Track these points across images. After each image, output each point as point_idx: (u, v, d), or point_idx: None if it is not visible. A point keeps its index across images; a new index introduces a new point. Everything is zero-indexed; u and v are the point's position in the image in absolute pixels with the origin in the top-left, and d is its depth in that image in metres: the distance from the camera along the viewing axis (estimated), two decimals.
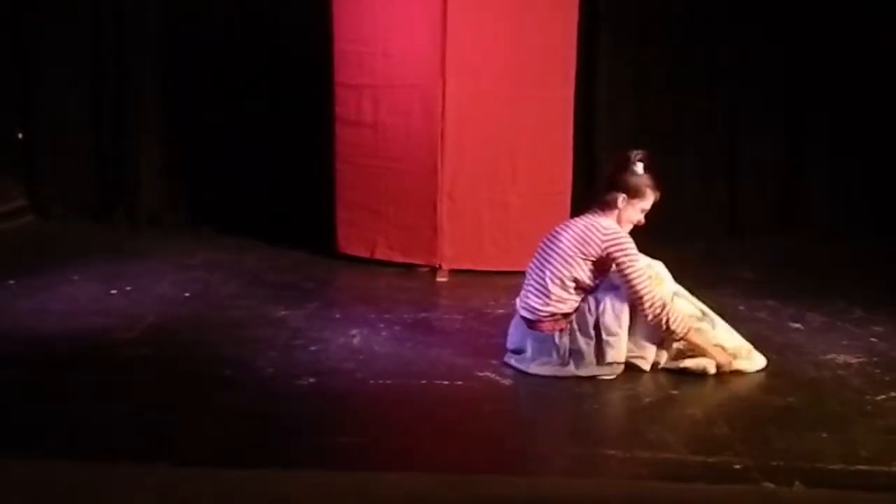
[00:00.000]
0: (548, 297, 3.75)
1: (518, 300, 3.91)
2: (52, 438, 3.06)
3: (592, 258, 3.71)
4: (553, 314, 3.76)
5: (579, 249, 3.71)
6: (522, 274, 3.96)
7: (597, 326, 3.70)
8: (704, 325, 3.79)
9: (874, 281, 5.40)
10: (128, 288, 4.95)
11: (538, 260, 3.83)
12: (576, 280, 3.73)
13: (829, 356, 4.05)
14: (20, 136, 6.90)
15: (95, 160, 6.90)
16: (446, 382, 3.66)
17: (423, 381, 3.66)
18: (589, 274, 3.73)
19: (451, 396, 3.57)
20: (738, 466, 2.94)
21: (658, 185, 3.77)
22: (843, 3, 6.45)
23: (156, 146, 6.84)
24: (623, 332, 3.70)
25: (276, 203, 6.53)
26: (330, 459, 2.98)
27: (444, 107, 5.30)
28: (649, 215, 3.84)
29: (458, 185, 5.42)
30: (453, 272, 5.43)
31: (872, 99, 6.50)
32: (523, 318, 3.84)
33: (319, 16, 5.68)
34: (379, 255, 5.62)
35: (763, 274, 5.61)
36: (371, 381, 3.67)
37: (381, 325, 4.39)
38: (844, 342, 4.24)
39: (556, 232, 3.82)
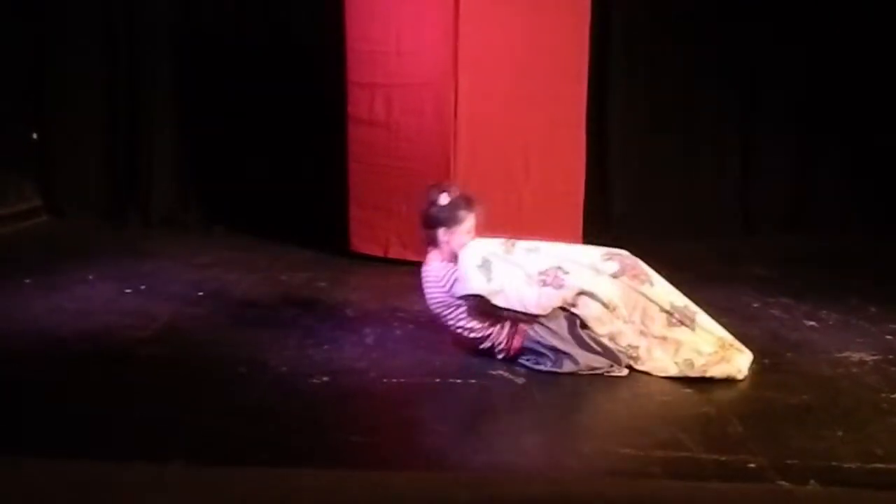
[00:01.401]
0: (469, 333, 3.82)
1: None
2: (66, 437, 3.08)
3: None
4: (490, 336, 3.78)
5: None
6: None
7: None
8: (677, 334, 3.71)
9: (889, 278, 5.36)
10: (142, 287, 4.97)
11: None
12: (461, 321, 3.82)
13: (843, 354, 4.02)
14: (35, 136, 6.94)
15: (109, 161, 6.94)
16: (459, 381, 3.66)
17: (437, 380, 3.66)
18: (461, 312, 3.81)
19: (464, 395, 3.58)
20: (752, 465, 2.93)
21: (471, 204, 3.88)
22: (857, 2, 6.42)
23: (168, 146, 6.88)
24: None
25: (289, 202, 6.55)
26: (343, 458, 2.98)
27: (456, 105, 5.30)
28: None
29: (471, 184, 5.40)
30: None
31: (887, 97, 6.47)
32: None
33: (332, 15, 5.69)
34: (392, 254, 5.63)
35: (777, 271, 5.58)
36: (384, 380, 3.67)
37: (395, 324, 4.40)
38: (859, 340, 4.22)
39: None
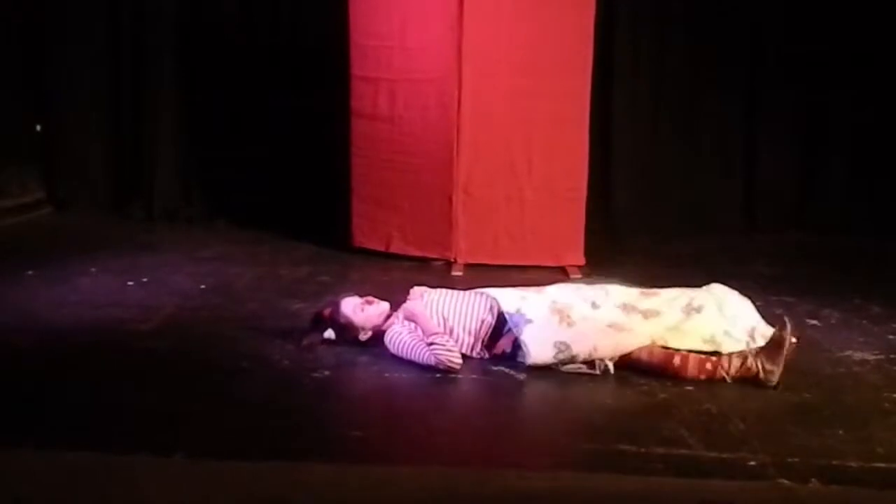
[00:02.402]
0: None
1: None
2: (68, 429, 3.08)
3: None
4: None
5: None
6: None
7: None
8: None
9: (892, 278, 5.36)
10: (144, 280, 4.98)
11: None
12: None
13: (845, 353, 4.02)
14: (38, 128, 6.94)
15: (112, 153, 6.94)
16: (460, 376, 3.66)
17: (438, 375, 3.66)
18: None
19: (465, 390, 3.58)
20: (753, 463, 2.93)
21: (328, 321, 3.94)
22: (864, 1, 6.41)
23: (172, 140, 6.87)
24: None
25: (291, 196, 6.55)
26: (343, 452, 2.98)
27: (459, 101, 5.30)
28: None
29: (474, 180, 5.42)
30: (468, 266, 5.42)
31: (892, 95, 6.45)
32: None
33: (336, 9, 5.68)
34: (394, 249, 5.63)
35: (780, 269, 5.58)
36: (386, 375, 3.67)
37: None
38: (861, 339, 4.22)
39: None
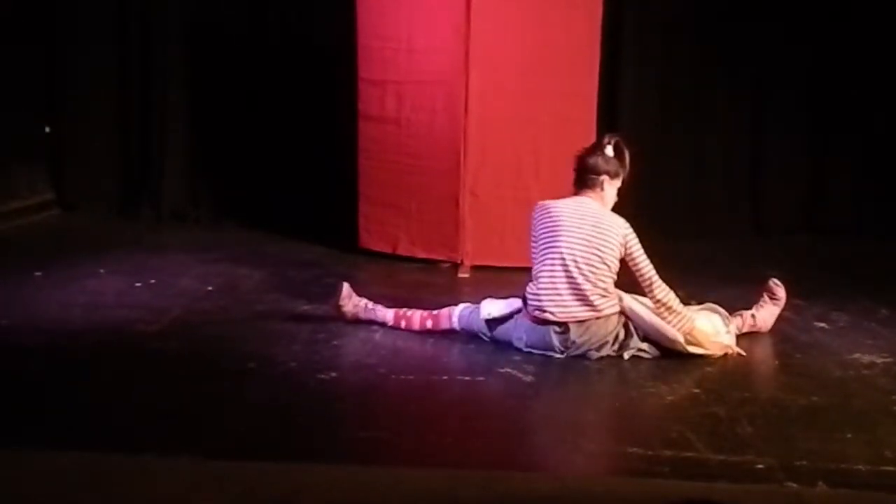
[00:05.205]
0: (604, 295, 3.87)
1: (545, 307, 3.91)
2: (76, 430, 3.09)
3: (613, 251, 3.86)
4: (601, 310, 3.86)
5: (600, 241, 3.86)
6: None
7: None
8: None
9: None
10: (152, 281, 4.98)
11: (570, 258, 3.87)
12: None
13: (854, 355, 4.01)
14: (47, 129, 6.96)
15: (121, 154, 6.95)
16: (467, 378, 3.67)
17: (444, 377, 3.67)
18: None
19: (471, 392, 3.58)
20: (760, 466, 2.92)
21: (626, 164, 4.03)
22: (869, 2, 6.39)
23: (180, 141, 6.88)
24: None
25: (298, 198, 6.55)
26: (351, 454, 2.98)
27: (467, 103, 5.30)
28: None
29: (481, 181, 5.42)
30: (475, 268, 5.42)
31: None
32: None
33: (343, 11, 5.69)
34: (401, 251, 5.63)
35: (788, 273, 5.53)
36: (392, 377, 3.68)
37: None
38: (870, 342, 4.20)
39: (567, 227, 3.91)
